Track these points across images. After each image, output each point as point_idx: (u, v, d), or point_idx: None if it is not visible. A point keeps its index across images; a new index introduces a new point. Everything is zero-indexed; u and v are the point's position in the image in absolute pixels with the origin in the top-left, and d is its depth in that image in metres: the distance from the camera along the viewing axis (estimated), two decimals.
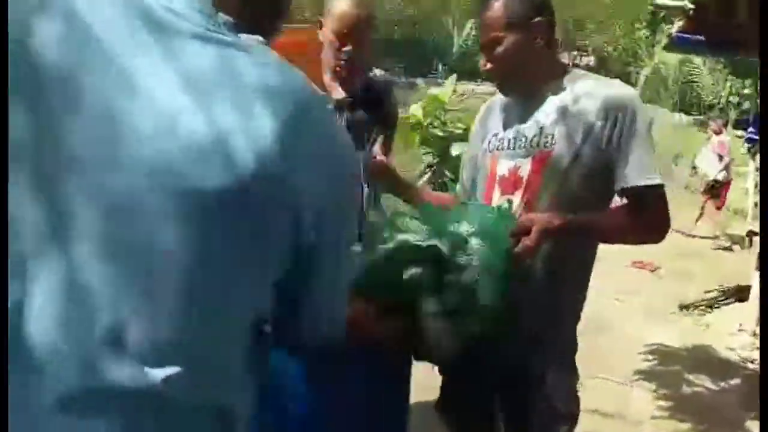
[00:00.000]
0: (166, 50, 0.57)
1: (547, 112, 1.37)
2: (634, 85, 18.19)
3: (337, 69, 1.65)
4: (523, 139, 1.40)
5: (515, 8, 1.36)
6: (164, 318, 0.56)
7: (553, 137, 1.35)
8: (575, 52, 22.33)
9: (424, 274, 1.15)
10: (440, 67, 20.42)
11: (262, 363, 0.70)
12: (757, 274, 3.58)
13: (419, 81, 18.54)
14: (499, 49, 1.37)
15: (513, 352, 1.37)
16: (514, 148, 1.41)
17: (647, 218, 1.35)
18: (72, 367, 0.55)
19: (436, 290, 1.16)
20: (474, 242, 1.20)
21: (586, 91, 1.35)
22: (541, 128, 1.37)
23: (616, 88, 1.37)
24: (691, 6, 3.50)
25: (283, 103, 0.60)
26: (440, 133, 4.16)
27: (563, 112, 1.35)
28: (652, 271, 5.09)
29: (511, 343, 1.33)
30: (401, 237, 1.19)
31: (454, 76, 5.07)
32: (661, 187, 1.34)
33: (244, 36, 0.64)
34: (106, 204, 0.55)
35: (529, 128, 1.39)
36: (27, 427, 0.55)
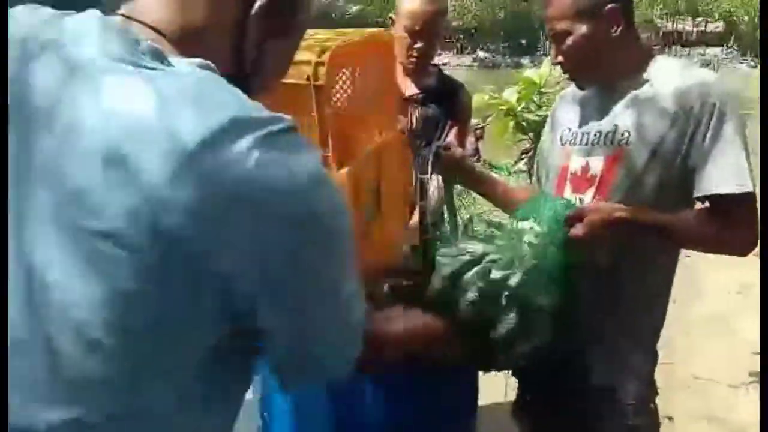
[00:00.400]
0: (88, 89, 0.56)
1: (624, 106, 1.28)
2: None
3: (409, 65, 1.69)
4: (598, 135, 1.31)
5: None
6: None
7: (629, 134, 1.26)
8: (699, 18, 20.60)
9: (485, 291, 1.12)
10: (547, 44, 19.66)
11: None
12: None
13: (525, 60, 17.98)
14: (570, 40, 1.27)
15: (578, 358, 1.31)
16: (587, 144, 1.34)
17: (732, 230, 1.22)
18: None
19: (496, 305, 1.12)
20: (530, 238, 1.15)
21: (669, 83, 1.24)
22: (617, 124, 1.28)
23: (704, 79, 1.24)
24: None
25: (187, 134, 0.52)
26: (535, 118, 3.99)
27: (641, 107, 1.25)
28: None
29: (574, 347, 1.27)
30: (470, 249, 1.15)
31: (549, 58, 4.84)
32: (751, 196, 1.20)
33: (180, 60, 0.58)
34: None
35: (604, 123, 1.31)
36: None
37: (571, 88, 1.46)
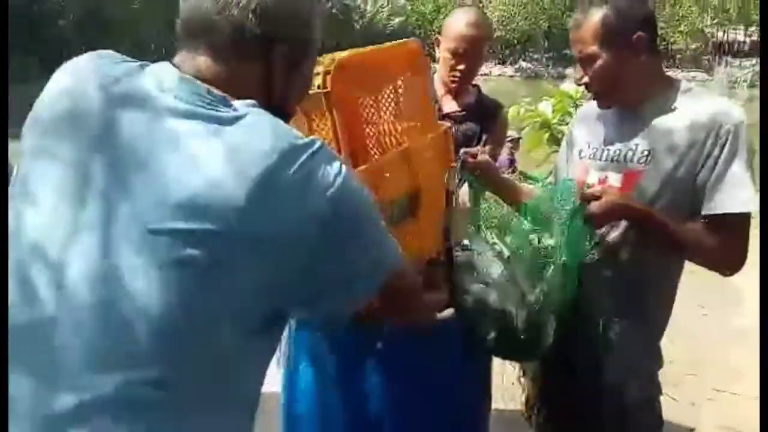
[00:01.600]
0: (169, 129, 0.75)
1: (647, 128, 1.35)
2: None
3: (451, 85, 1.76)
4: (618, 152, 1.37)
5: (615, 23, 1.32)
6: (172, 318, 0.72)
7: (648, 155, 1.33)
8: (752, 28, 20.04)
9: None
10: None
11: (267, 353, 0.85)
12: None
13: (568, 71, 17.82)
14: (597, 65, 1.34)
15: (588, 356, 1.41)
16: (606, 160, 1.40)
17: (729, 249, 1.30)
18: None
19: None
20: (548, 241, 1.29)
21: (688, 110, 1.31)
22: (637, 144, 1.35)
23: (723, 107, 1.32)
24: None
25: (254, 166, 0.72)
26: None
27: (664, 129, 1.33)
28: None
29: (586, 345, 1.37)
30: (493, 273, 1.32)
31: None
32: (746, 216, 1.28)
33: (237, 103, 0.77)
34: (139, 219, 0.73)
35: (624, 143, 1.38)
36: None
37: (589, 107, 1.55)
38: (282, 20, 0.83)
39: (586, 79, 1.38)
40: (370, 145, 1.21)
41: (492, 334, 1.29)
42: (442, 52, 1.76)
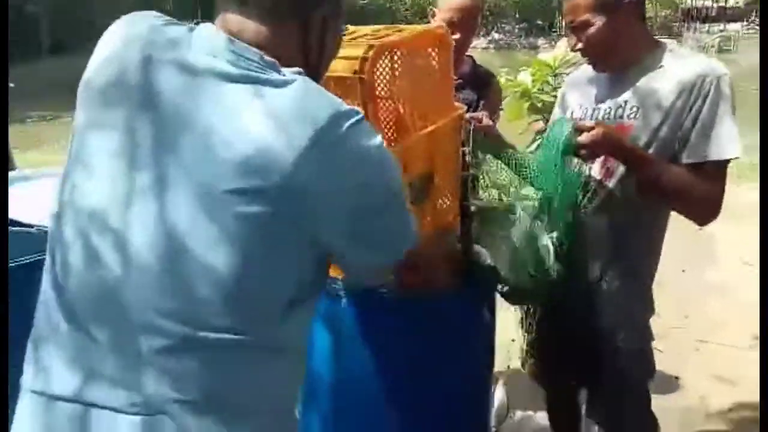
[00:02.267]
0: (222, 93, 0.79)
1: (635, 86, 1.45)
2: None
3: None
4: (608, 110, 1.49)
5: None
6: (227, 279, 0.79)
7: (636, 110, 1.43)
8: None
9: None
10: (563, 25, 19.48)
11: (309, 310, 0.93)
12: None
13: (540, 41, 17.86)
14: (591, 31, 1.43)
15: (582, 303, 1.50)
16: (598, 118, 1.51)
17: (704, 192, 1.40)
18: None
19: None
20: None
21: (673, 67, 1.42)
22: (626, 101, 1.46)
23: (707, 62, 1.42)
24: None
25: (303, 128, 0.78)
26: (549, 98, 4.14)
27: (652, 86, 1.43)
28: None
29: (581, 290, 1.46)
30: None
31: (564, 39, 4.96)
32: (724, 164, 1.38)
33: (286, 70, 0.83)
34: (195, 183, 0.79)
35: (614, 101, 1.48)
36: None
37: (579, 72, 1.63)
38: None
39: (580, 45, 1.47)
40: (397, 126, 1.26)
41: (506, 281, 1.37)
42: (437, 23, 1.88)
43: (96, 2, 15.56)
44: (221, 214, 0.78)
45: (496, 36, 20.51)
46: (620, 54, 1.47)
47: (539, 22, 20.64)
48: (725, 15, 19.85)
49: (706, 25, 19.93)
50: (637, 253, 1.52)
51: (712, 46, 18.28)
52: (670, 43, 1.52)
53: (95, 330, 0.80)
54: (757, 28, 18.65)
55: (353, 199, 0.83)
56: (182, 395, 0.79)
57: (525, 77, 4.39)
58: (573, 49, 1.52)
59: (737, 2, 19.56)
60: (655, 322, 2.25)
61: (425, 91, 1.29)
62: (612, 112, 1.49)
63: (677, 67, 1.42)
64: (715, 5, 20.24)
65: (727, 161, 1.38)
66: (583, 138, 1.36)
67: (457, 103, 1.49)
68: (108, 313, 0.80)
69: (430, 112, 1.32)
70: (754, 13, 18.79)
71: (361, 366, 1.49)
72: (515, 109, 4.38)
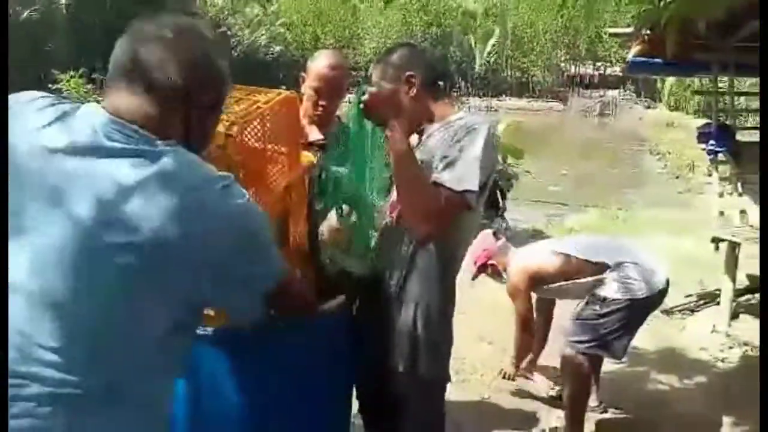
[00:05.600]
0: (93, 163, 0.89)
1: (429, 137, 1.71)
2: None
3: (315, 117, 2.00)
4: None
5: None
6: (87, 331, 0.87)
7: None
8: (599, 63, 22.67)
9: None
10: (462, 84, 21.04)
11: (177, 358, 1.00)
12: (726, 278, 3.94)
13: None
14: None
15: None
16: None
17: (428, 203, 1.54)
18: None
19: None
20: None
21: (455, 121, 1.67)
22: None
23: (469, 117, 1.68)
24: (647, 31, 3.74)
25: (172, 193, 0.87)
26: None
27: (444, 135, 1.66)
28: None
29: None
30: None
31: None
32: (453, 193, 1.52)
33: (161, 143, 0.91)
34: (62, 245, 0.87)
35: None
36: None
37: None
38: (202, 75, 0.99)
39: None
40: (258, 182, 1.40)
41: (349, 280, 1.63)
42: (306, 89, 2.03)
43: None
44: (95, 266, 0.87)
45: None
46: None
47: None
48: (605, 82, 22.12)
49: (589, 90, 22.12)
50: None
51: (594, 111, 20.39)
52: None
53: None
54: (632, 94, 21.06)
55: (227, 245, 0.93)
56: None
57: None
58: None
59: (615, 71, 21.86)
60: None
61: (280, 148, 1.48)
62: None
63: (453, 120, 1.66)
64: (596, 72, 22.56)
65: (454, 191, 1.52)
66: (368, 95, 1.52)
67: (305, 152, 1.63)
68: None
69: (285, 165, 1.49)
70: (629, 81, 21.11)
71: (222, 406, 1.50)
72: None
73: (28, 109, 0.94)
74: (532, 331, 2.95)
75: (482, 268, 2.98)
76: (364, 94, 1.55)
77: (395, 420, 1.67)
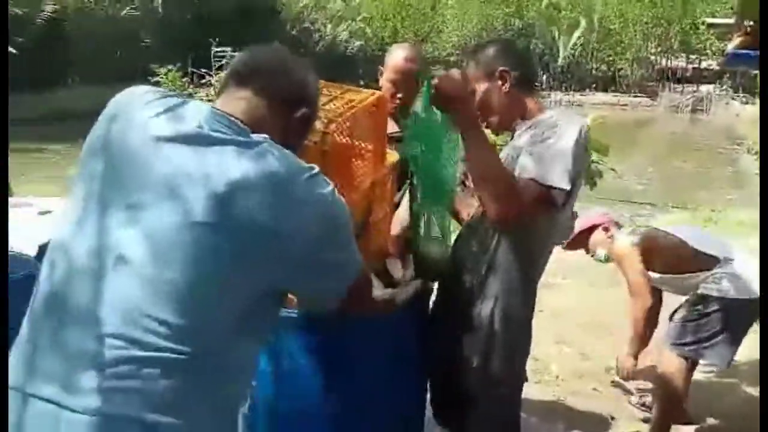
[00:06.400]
0: (199, 151, 0.97)
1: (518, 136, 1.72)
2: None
3: (392, 110, 2.01)
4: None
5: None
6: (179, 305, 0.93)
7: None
8: (693, 56, 21.57)
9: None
10: (544, 78, 20.56)
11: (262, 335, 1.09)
12: None
13: None
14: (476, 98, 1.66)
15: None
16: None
17: (508, 190, 1.53)
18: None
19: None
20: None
21: (544, 120, 1.65)
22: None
23: (562, 112, 1.73)
24: (750, 22, 3.60)
25: (267, 178, 0.95)
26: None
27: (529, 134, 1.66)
28: None
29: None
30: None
31: None
32: (531, 185, 1.51)
33: (255, 135, 1.00)
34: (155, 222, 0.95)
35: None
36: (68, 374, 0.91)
37: None
38: (311, 91, 1.13)
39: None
40: (345, 177, 1.45)
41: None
42: (383, 82, 2.11)
43: (72, 42, 16.18)
44: (193, 242, 0.94)
45: None
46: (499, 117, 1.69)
47: None
48: (699, 77, 21.01)
49: (681, 85, 21.08)
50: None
51: (687, 106, 19.42)
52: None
53: (62, 332, 0.95)
54: (728, 91, 19.88)
55: (312, 235, 0.99)
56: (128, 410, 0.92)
57: None
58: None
59: (710, 64, 20.74)
60: (594, 363, 2.64)
61: (367, 146, 1.54)
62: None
63: (542, 118, 1.65)
64: (690, 66, 21.47)
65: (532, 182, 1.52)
66: (438, 79, 1.52)
67: (390, 151, 1.66)
68: (75, 321, 0.95)
69: (369, 163, 1.55)
70: (726, 75, 19.94)
71: (307, 391, 1.54)
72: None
73: (140, 101, 1.03)
74: (648, 301, 2.61)
75: (589, 232, 2.78)
76: (432, 80, 1.55)
77: (465, 416, 1.67)
